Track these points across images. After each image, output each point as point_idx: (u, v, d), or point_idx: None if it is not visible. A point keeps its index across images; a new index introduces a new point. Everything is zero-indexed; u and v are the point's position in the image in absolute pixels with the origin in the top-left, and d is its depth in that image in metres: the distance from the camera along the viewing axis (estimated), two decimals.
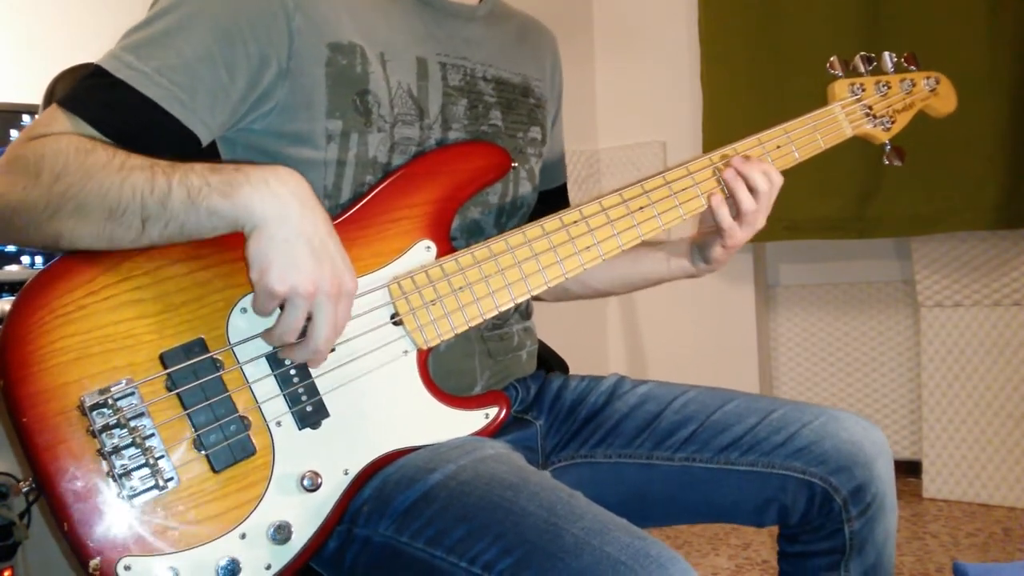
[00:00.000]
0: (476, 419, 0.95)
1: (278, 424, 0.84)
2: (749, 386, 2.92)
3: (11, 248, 1.50)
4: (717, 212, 1.04)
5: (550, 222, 0.98)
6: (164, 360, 0.80)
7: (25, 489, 0.81)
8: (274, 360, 0.84)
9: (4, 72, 1.69)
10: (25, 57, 1.71)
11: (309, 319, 0.81)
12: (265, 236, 0.78)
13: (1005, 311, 2.52)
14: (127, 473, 0.77)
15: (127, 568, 0.76)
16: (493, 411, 0.96)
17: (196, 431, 0.80)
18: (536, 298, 1.22)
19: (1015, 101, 2.34)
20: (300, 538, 0.83)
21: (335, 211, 0.93)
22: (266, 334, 0.83)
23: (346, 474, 0.86)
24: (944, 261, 2.58)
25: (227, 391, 0.82)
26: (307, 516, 0.83)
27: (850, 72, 1.20)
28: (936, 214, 2.47)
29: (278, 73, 0.89)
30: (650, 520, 1.08)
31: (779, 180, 1.06)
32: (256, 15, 0.87)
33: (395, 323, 0.90)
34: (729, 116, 2.76)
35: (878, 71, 1.22)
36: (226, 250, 0.84)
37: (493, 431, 0.96)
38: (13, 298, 0.80)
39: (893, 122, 1.21)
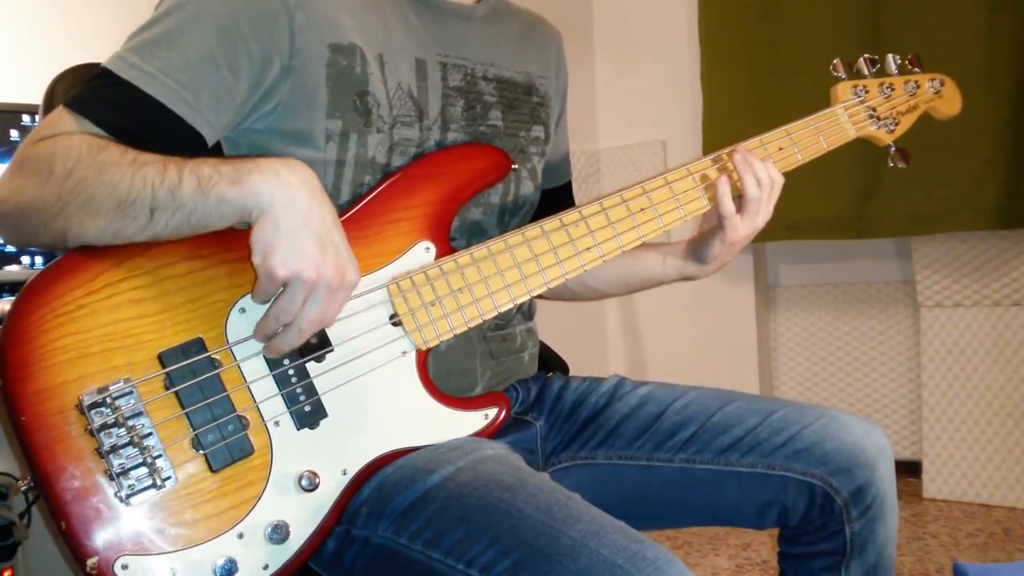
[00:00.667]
0: (475, 420, 0.95)
1: (276, 424, 0.84)
2: (749, 386, 2.92)
3: (11, 248, 1.51)
4: (720, 198, 1.04)
5: (550, 223, 0.98)
6: (162, 359, 0.80)
7: (24, 488, 0.81)
8: (272, 360, 0.84)
9: (4, 72, 1.69)
10: (25, 57, 1.72)
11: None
12: (271, 221, 0.78)
13: (1005, 311, 2.52)
14: (125, 472, 0.77)
15: (124, 567, 0.76)
16: (492, 412, 0.96)
17: (194, 430, 0.80)
18: (537, 296, 1.23)
19: (1015, 101, 2.34)
20: (298, 538, 0.83)
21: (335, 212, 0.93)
22: (258, 326, 0.83)
23: (344, 474, 0.86)
24: (944, 261, 2.58)
25: (225, 390, 0.82)
26: (305, 516, 0.83)
27: (853, 74, 1.19)
28: (936, 214, 2.47)
29: (281, 71, 0.89)
30: (650, 522, 1.08)
31: (781, 180, 1.06)
32: (258, 15, 0.87)
33: (394, 323, 0.90)
34: (729, 116, 2.76)
35: (882, 73, 1.21)
36: (226, 250, 0.84)
37: (493, 432, 0.96)
38: (13, 298, 0.80)
39: (897, 124, 1.21)
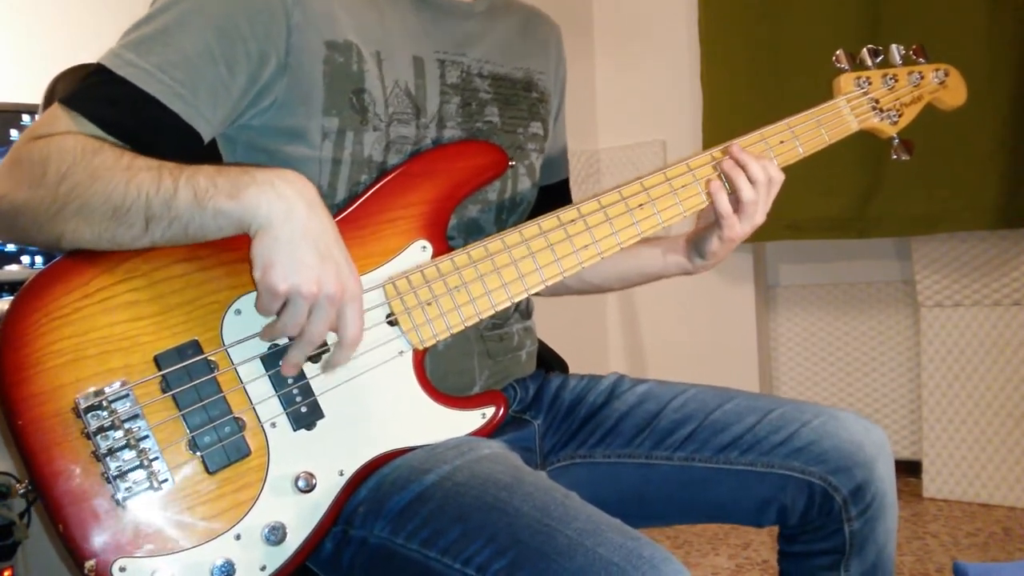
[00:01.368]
0: (473, 419, 0.95)
1: (273, 425, 0.84)
2: (749, 386, 2.92)
3: (11, 248, 1.51)
4: (716, 198, 1.03)
5: (547, 221, 0.98)
6: (158, 362, 0.80)
7: (22, 491, 0.81)
8: (268, 361, 0.84)
9: (4, 72, 1.69)
10: (25, 57, 1.72)
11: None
12: (270, 236, 0.78)
13: (1005, 311, 2.51)
14: (122, 475, 0.77)
15: (122, 569, 0.76)
16: (490, 411, 0.96)
17: (190, 432, 0.80)
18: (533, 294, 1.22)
19: (1015, 101, 2.33)
20: (295, 539, 0.83)
21: (331, 211, 0.92)
22: (265, 330, 0.83)
23: (341, 475, 0.86)
24: (944, 261, 2.58)
25: (221, 392, 0.82)
26: (302, 517, 0.83)
27: (856, 65, 1.18)
28: (936, 214, 2.46)
29: (277, 68, 0.89)
30: (649, 520, 1.08)
31: (779, 176, 1.05)
32: (254, 11, 0.87)
33: (390, 323, 0.90)
34: (729, 116, 2.76)
35: (885, 64, 1.20)
36: (222, 252, 0.84)
37: (490, 431, 0.96)
38: (11, 299, 0.80)
39: (900, 115, 1.19)
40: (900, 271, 2.83)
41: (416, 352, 0.92)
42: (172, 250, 0.83)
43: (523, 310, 1.12)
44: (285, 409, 0.84)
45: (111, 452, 0.77)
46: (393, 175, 0.94)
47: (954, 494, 2.61)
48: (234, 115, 0.90)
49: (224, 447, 0.81)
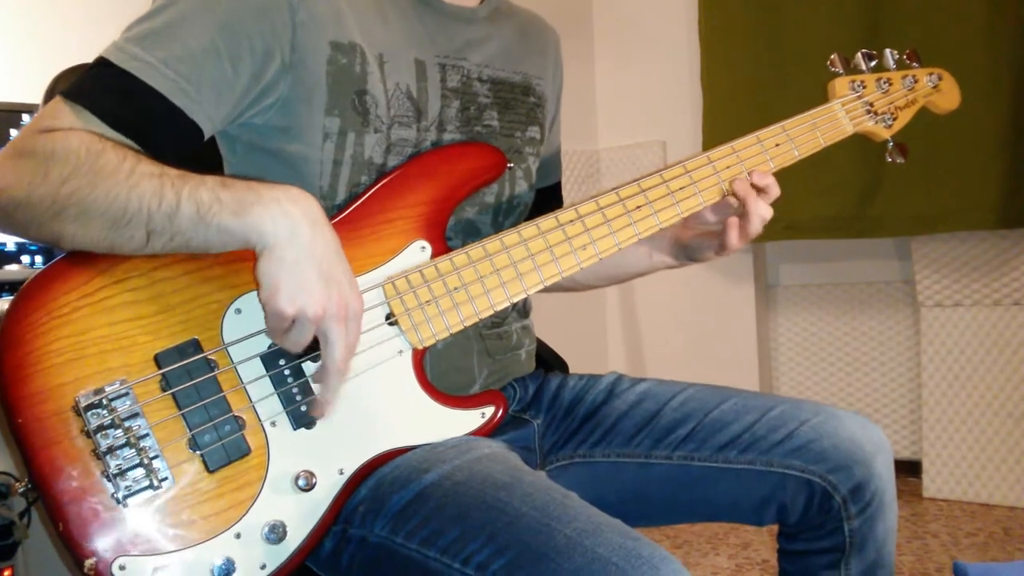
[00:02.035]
0: (472, 418, 0.95)
1: (273, 424, 0.84)
2: (749, 386, 2.92)
3: (11, 248, 1.51)
4: (728, 239, 1.05)
5: (546, 221, 0.98)
6: (158, 361, 0.81)
7: (21, 490, 0.81)
8: (268, 360, 0.85)
9: (4, 72, 1.70)
10: (25, 57, 1.72)
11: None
12: (276, 257, 0.78)
13: (1005, 311, 2.52)
14: (122, 473, 0.77)
15: (122, 568, 0.76)
16: (489, 410, 0.96)
17: (190, 431, 0.80)
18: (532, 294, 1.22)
19: (1015, 101, 2.34)
20: (295, 538, 0.83)
21: (331, 211, 0.93)
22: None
23: (341, 474, 0.86)
24: (944, 261, 2.58)
25: (221, 391, 0.82)
26: (302, 516, 0.83)
27: (851, 69, 1.19)
28: (936, 214, 2.47)
29: (281, 66, 0.89)
30: (649, 519, 1.08)
31: (776, 192, 1.07)
32: (260, 8, 0.87)
33: (390, 323, 0.90)
34: (729, 116, 2.76)
35: (880, 68, 1.21)
36: (221, 252, 0.84)
37: (490, 430, 0.96)
38: (11, 299, 0.81)
39: (895, 119, 1.20)
40: (900, 271, 2.83)
41: (415, 352, 0.92)
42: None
43: (520, 309, 1.12)
44: (285, 408, 0.84)
45: (111, 450, 0.77)
46: (392, 176, 0.94)
47: (954, 494, 2.61)
48: (237, 112, 0.90)
49: (224, 446, 0.81)
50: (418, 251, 0.93)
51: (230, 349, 0.83)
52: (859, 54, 1.19)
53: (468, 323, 0.93)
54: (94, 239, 0.79)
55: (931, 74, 1.24)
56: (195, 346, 0.82)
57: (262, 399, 0.84)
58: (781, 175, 1.09)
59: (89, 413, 0.77)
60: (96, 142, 0.79)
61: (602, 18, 3.19)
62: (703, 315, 2.99)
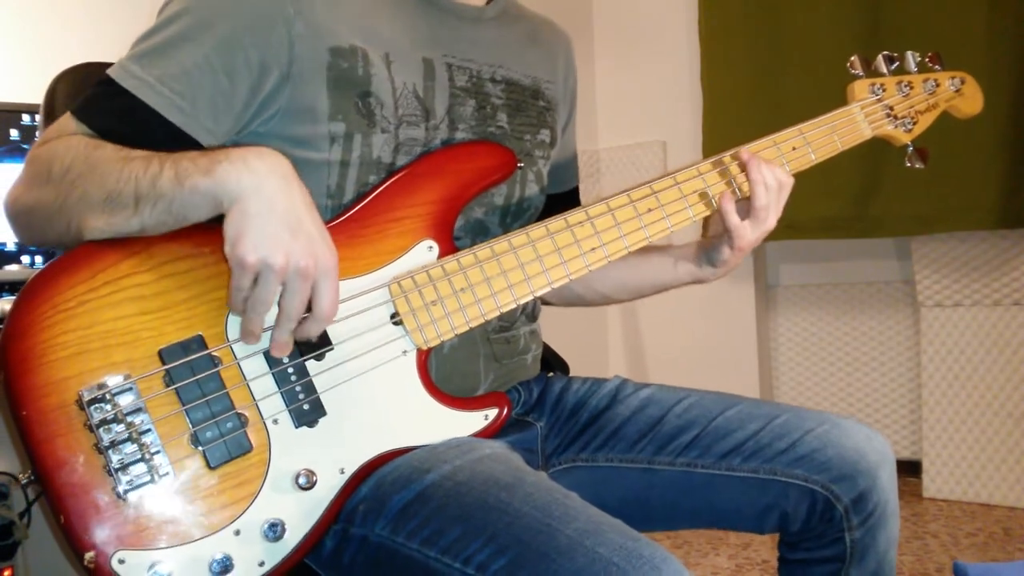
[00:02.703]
0: (475, 420, 0.95)
1: (275, 422, 0.84)
2: (749, 386, 2.92)
3: (11, 248, 1.51)
4: (724, 210, 1.02)
5: (555, 223, 0.97)
6: (162, 356, 0.81)
7: (24, 481, 0.81)
8: (272, 358, 0.84)
9: (4, 72, 1.70)
10: (25, 57, 1.72)
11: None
12: (239, 209, 0.78)
13: (1005, 311, 2.52)
14: (123, 467, 0.77)
15: (121, 562, 0.76)
16: (493, 412, 0.96)
17: (193, 427, 0.80)
18: (544, 302, 1.21)
19: (1015, 101, 2.34)
20: (294, 536, 0.82)
21: (338, 211, 0.93)
22: (243, 321, 0.82)
23: (342, 473, 0.86)
24: (944, 261, 2.58)
25: (224, 388, 0.82)
26: (302, 514, 0.83)
27: (871, 72, 1.17)
28: (936, 214, 2.47)
29: (279, 79, 0.90)
30: (650, 525, 1.08)
31: (789, 181, 1.05)
32: (256, 22, 0.88)
33: (395, 323, 0.90)
34: (729, 116, 2.76)
35: (900, 71, 1.19)
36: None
37: (492, 432, 0.95)
38: (13, 297, 0.81)
39: (915, 123, 1.18)
40: (900, 271, 2.83)
41: (420, 352, 0.91)
42: (178, 245, 0.83)
43: (529, 313, 1.11)
44: (287, 406, 0.84)
45: (113, 445, 0.77)
46: (400, 175, 0.94)
47: (954, 494, 2.61)
48: (238, 125, 0.90)
49: (226, 442, 0.81)
50: (425, 250, 0.93)
51: (234, 346, 0.83)
52: (880, 56, 1.17)
53: (473, 324, 0.93)
54: (95, 220, 0.81)
55: (953, 78, 1.22)
56: (199, 342, 0.82)
57: (265, 397, 0.84)
58: None
59: (92, 407, 0.77)
60: (95, 139, 0.84)
61: (602, 18, 3.19)
62: (703, 314, 2.99)
